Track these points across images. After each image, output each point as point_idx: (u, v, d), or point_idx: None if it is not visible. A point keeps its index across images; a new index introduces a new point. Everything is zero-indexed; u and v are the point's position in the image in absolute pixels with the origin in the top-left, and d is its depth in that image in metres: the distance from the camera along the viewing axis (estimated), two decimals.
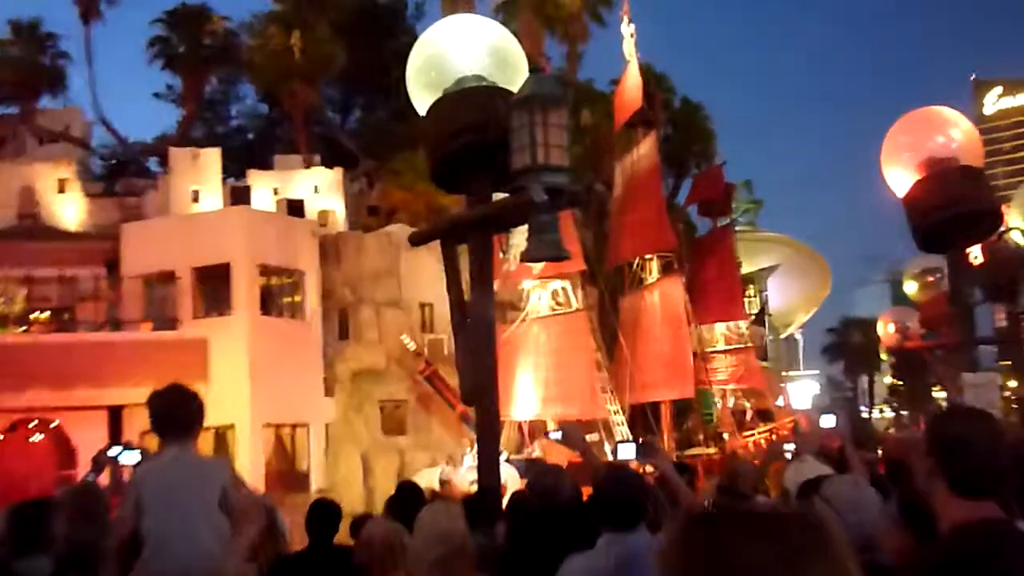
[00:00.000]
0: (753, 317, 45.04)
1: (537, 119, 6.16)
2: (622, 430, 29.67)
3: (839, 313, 77.70)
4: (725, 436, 33.12)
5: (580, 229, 35.23)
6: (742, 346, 36.58)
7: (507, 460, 25.26)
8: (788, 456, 8.22)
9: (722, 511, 1.53)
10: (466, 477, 22.80)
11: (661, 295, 33.07)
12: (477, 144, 6.54)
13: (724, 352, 36.53)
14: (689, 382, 31.84)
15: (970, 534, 2.27)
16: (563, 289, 30.81)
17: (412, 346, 28.31)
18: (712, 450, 31.90)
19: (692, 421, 35.09)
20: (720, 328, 37.07)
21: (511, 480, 23.33)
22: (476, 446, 6.73)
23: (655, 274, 33.90)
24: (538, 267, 27.58)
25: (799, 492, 4.43)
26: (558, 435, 5.67)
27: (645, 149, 34.13)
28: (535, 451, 27.95)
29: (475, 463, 23.24)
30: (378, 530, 4.80)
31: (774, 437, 31.01)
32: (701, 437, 33.33)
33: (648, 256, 33.91)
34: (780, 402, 39.99)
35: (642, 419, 32.23)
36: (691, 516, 1.53)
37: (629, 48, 34.15)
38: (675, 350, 32.14)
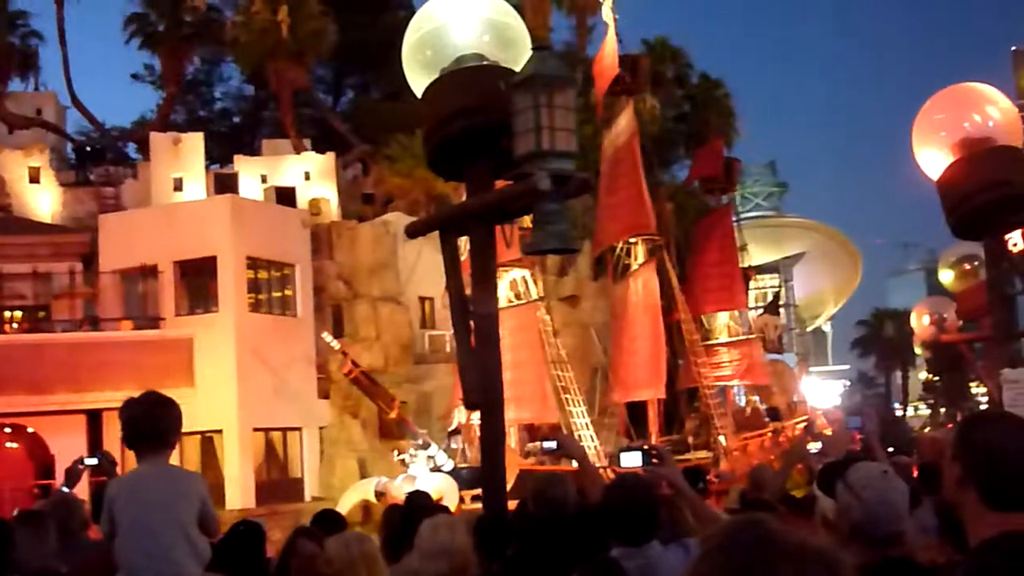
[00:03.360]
0: (763, 306, 44.79)
1: (542, 101, 6.14)
2: (587, 435, 29.15)
3: (871, 304, 77.75)
4: (721, 438, 32.46)
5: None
6: (744, 338, 36.08)
7: (453, 470, 25.26)
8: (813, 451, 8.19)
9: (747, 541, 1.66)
10: (402, 488, 22.95)
11: (643, 283, 32.62)
12: (477, 128, 6.52)
13: (727, 345, 35.96)
14: (660, 381, 31.24)
15: (999, 550, 2.25)
16: (523, 279, 30.06)
17: (336, 345, 27.97)
18: (703, 454, 31.20)
19: (690, 422, 34.61)
20: (724, 318, 36.72)
21: (448, 492, 23.20)
22: (481, 463, 6.67)
23: (641, 259, 33.36)
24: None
25: (820, 474, 4.40)
26: (552, 444, 5.66)
27: (624, 122, 33.55)
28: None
29: (414, 473, 23.14)
30: (340, 546, 4.78)
31: (781, 440, 30.65)
32: (691, 439, 32.75)
33: (632, 240, 33.42)
34: (800, 400, 39.46)
35: (630, 421, 31.92)
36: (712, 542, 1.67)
37: (607, 12, 33.54)
38: (652, 345, 31.62)
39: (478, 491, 23.04)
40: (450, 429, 28.12)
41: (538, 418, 28.59)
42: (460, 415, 27.81)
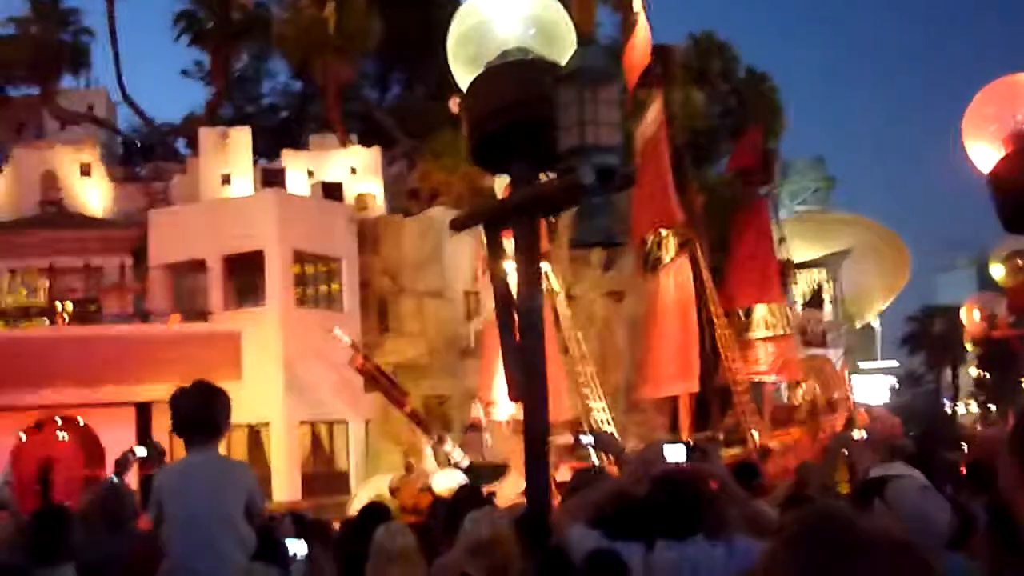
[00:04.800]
0: (804, 300, 44.03)
1: (586, 95, 6.11)
2: (607, 431, 28.78)
3: (920, 300, 76.60)
4: (755, 434, 31.68)
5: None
6: (780, 334, 35.10)
7: (468, 466, 25.04)
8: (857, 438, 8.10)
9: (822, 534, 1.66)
10: (415, 484, 22.88)
11: (674, 277, 32.09)
12: (521, 123, 6.51)
13: (764, 340, 35.14)
14: (692, 376, 30.60)
15: None
16: (544, 273, 29.94)
17: (346, 340, 27.81)
18: (736, 451, 30.76)
19: (728, 419, 34.04)
20: (761, 312, 36.15)
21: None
22: (525, 456, 6.66)
23: (672, 252, 32.80)
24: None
25: (858, 491, 4.35)
26: (590, 439, 5.65)
27: (653, 114, 32.72)
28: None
29: (429, 468, 22.96)
30: (388, 536, 4.81)
31: (820, 436, 30.13)
32: (720, 436, 32.22)
33: (664, 234, 32.85)
34: (841, 396, 38.72)
35: (664, 416, 31.56)
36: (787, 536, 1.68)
37: (637, 1, 33.11)
38: (682, 339, 31.03)
39: (493, 487, 23.03)
40: (467, 424, 27.98)
41: (553, 414, 28.07)
42: (478, 410, 27.75)
